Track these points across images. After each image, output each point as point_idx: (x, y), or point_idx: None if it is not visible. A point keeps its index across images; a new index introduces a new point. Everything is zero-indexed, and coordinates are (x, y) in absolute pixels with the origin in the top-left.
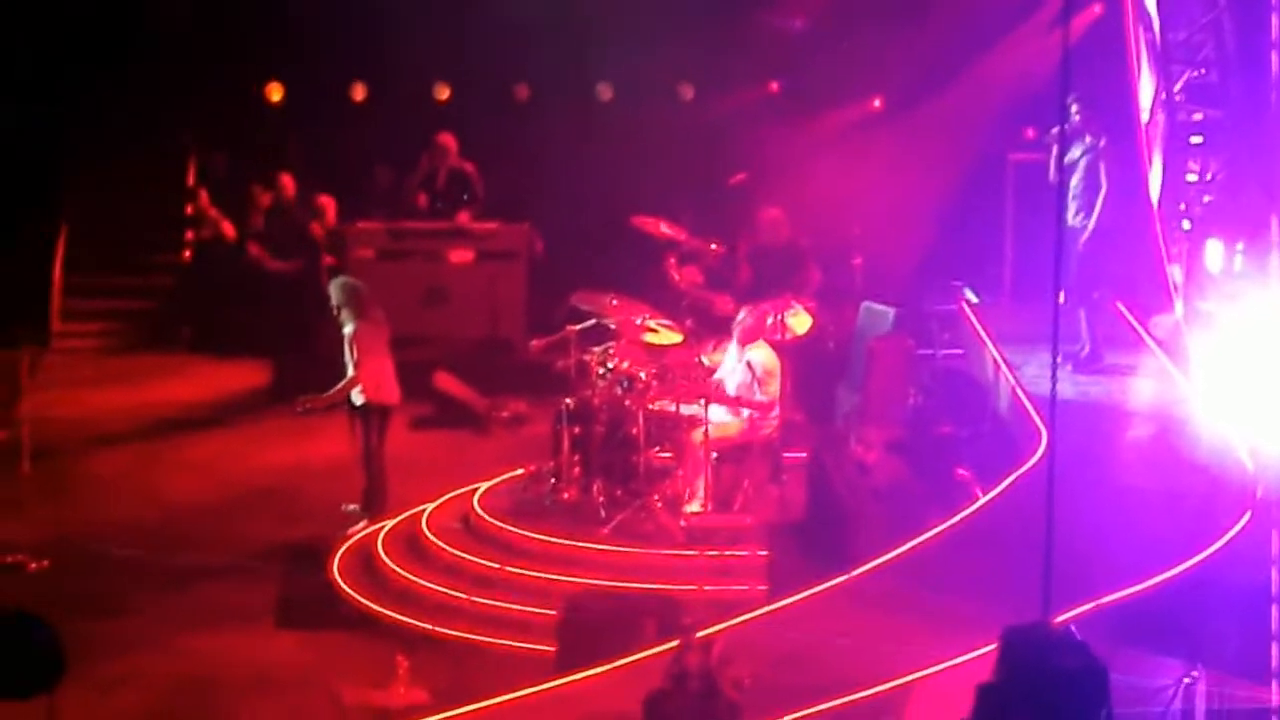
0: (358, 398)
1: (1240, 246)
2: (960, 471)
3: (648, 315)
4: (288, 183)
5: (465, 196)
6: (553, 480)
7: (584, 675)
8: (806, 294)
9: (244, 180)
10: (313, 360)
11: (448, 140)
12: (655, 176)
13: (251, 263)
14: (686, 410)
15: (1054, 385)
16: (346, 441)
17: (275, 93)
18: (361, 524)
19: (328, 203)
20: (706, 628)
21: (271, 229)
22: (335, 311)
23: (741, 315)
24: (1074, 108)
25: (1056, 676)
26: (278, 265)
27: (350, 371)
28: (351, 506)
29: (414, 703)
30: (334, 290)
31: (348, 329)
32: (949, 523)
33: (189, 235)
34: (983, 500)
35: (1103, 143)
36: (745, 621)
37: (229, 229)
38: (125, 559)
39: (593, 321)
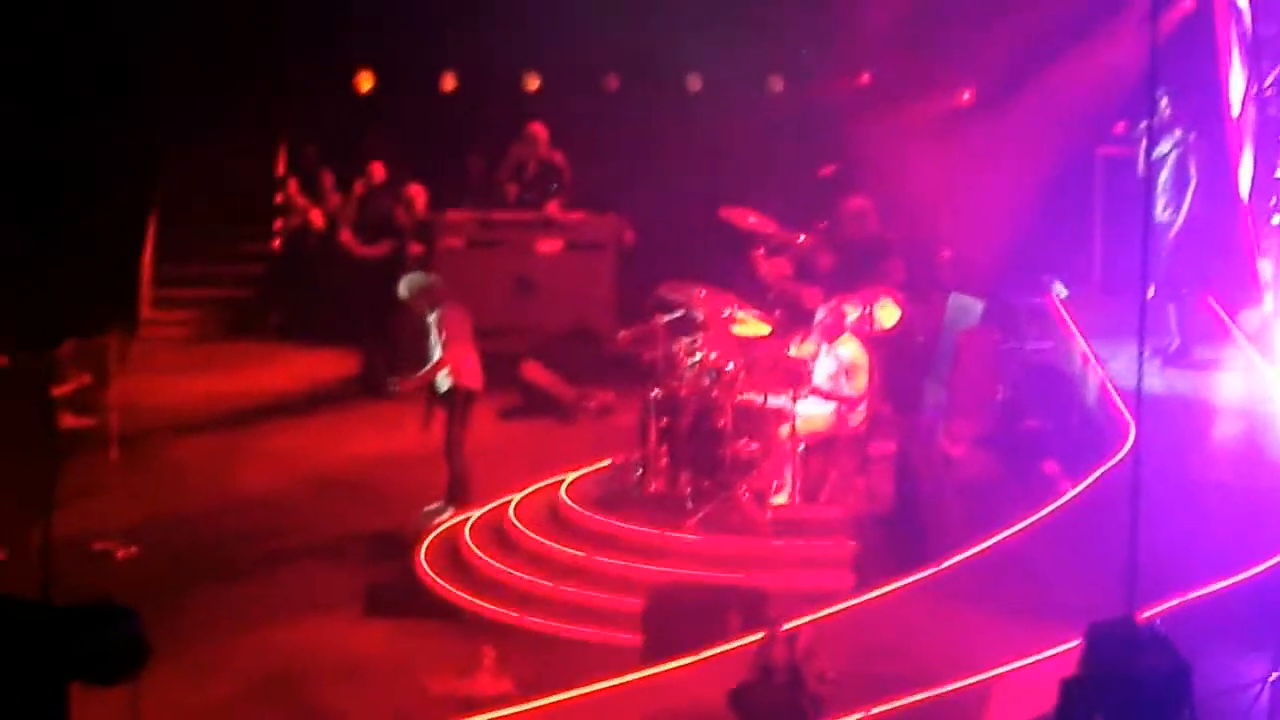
0: (444, 382)
1: None
2: (1047, 466)
3: (736, 306)
4: (377, 170)
5: (554, 187)
6: (640, 471)
7: (669, 667)
8: (892, 286)
9: (336, 169)
10: (400, 349)
11: (538, 130)
12: (744, 168)
13: (340, 250)
14: (774, 402)
15: (1140, 379)
16: (427, 430)
17: (366, 82)
18: (448, 514)
19: (417, 192)
20: (792, 620)
21: (361, 217)
22: (409, 305)
23: (820, 313)
24: (1164, 102)
25: (1140, 673)
26: (365, 252)
27: (436, 355)
28: (434, 506)
29: (500, 692)
30: (403, 287)
31: (432, 315)
32: (1035, 517)
33: (279, 224)
34: (1069, 495)
35: (1192, 137)
36: (831, 614)
37: (318, 217)
38: (213, 547)
39: (681, 312)
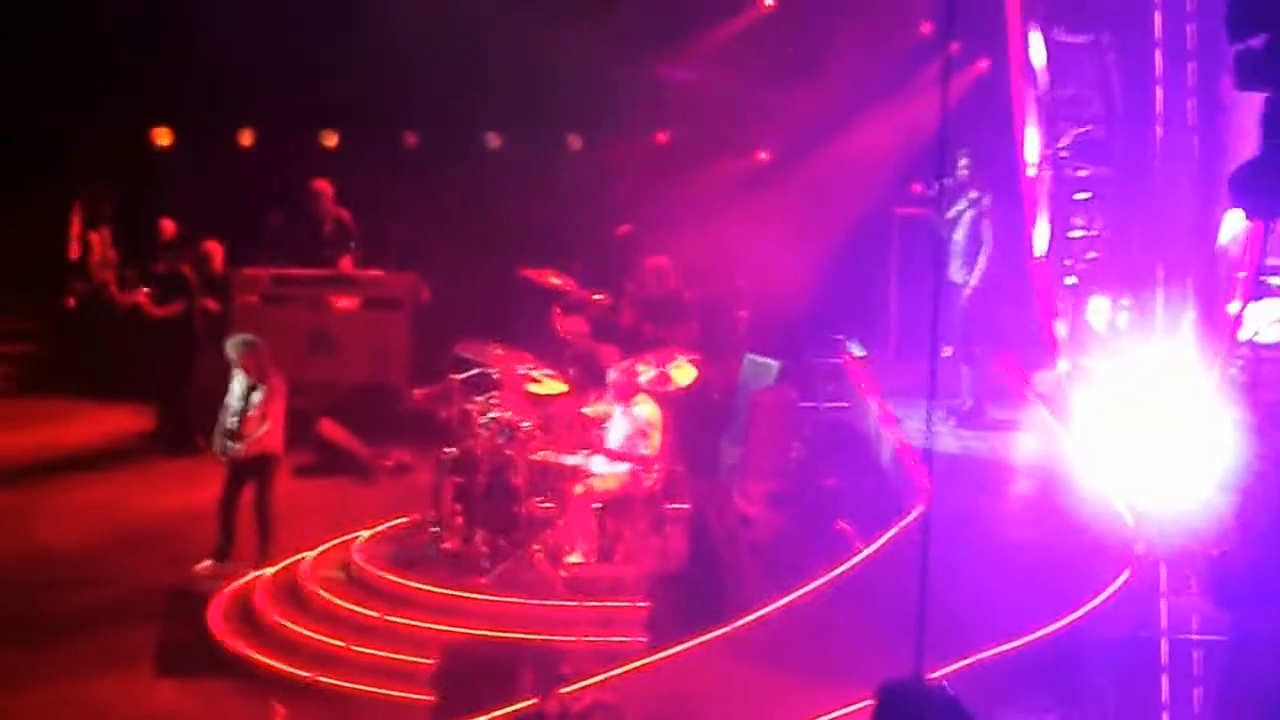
0: (258, 446)
1: (1125, 303)
2: (842, 524)
3: (531, 365)
4: (167, 226)
5: (352, 244)
6: (434, 529)
7: None
8: (689, 345)
9: (131, 224)
10: (194, 405)
11: (322, 186)
12: (542, 225)
13: (134, 307)
14: (569, 461)
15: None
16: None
17: (163, 137)
18: (241, 571)
19: (214, 248)
20: (586, 678)
21: (155, 274)
22: (236, 364)
23: (612, 374)
24: (963, 162)
25: None
26: (159, 311)
27: (264, 423)
28: (204, 564)
29: None
30: (234, 347)
31: (268, 381)
32: (829, 576)
33: (73, 280)
34: (863, 554)
35: (987, 199)
36: (625, 672)
37: (109, 276)
38: (10, 601)
39: (476, 371)
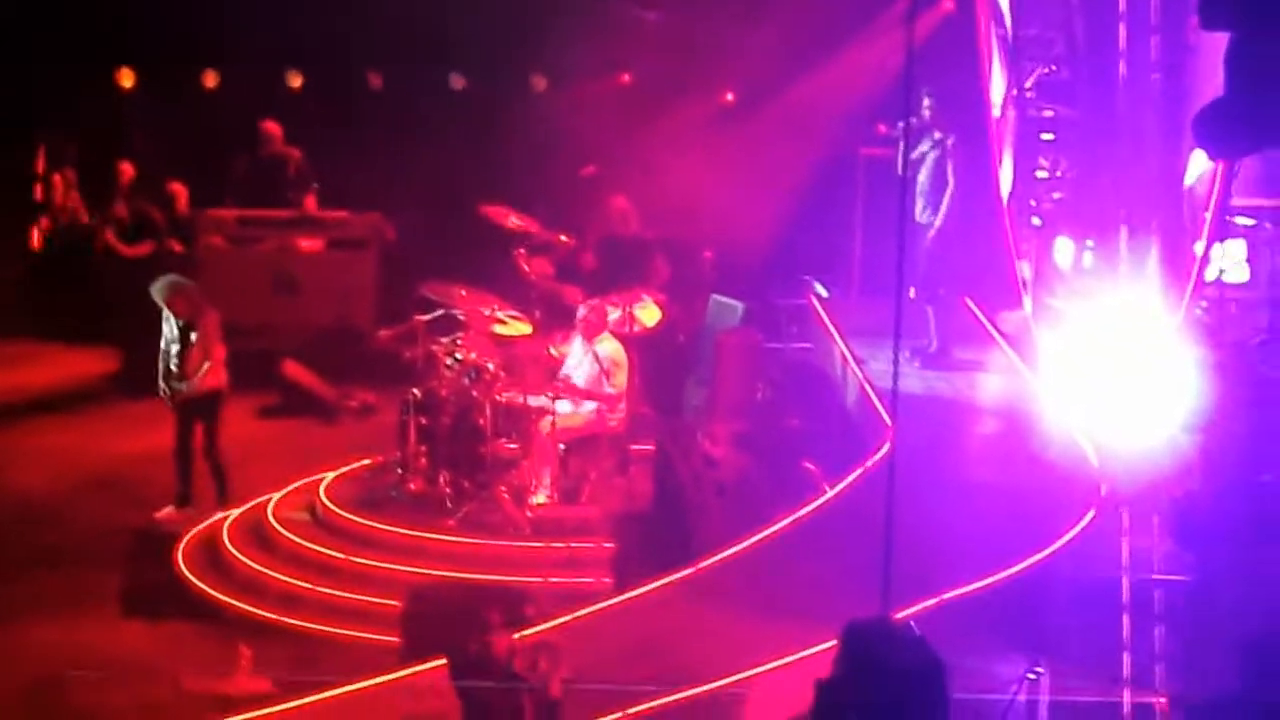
0: (198, 384)
1: (1090, 243)
2: (807, 465)
3: (496, 306)
4: (126, 169)
5: (312, 183)
6: (399, 471)
7: (426, 667)
8: (654, 286)
9: (94, 167)
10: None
11: (271, 127)
12: (507, 167)
13: (102, 248)
14: (534, 401)
15: (895, 378)
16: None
17: (126, 79)
18: (203, 514)
19: (179, 190)
20: (550, 619)
21: (119, 216)
22: (163, 308)
23: (582, 310)
24: (926, 103)
25: (894, 673)
26: (128, 251)
27: (205, 361)
28: (168, 510)
29: (256, 691)
30: (160, 290)
31: (201, 319)
32: (794, 517)
33: (42, 222)
34: (828, 494)
35: (951, 139)
36: (589, 613)
37: (82, 215)
38: None
39: (441, 312)
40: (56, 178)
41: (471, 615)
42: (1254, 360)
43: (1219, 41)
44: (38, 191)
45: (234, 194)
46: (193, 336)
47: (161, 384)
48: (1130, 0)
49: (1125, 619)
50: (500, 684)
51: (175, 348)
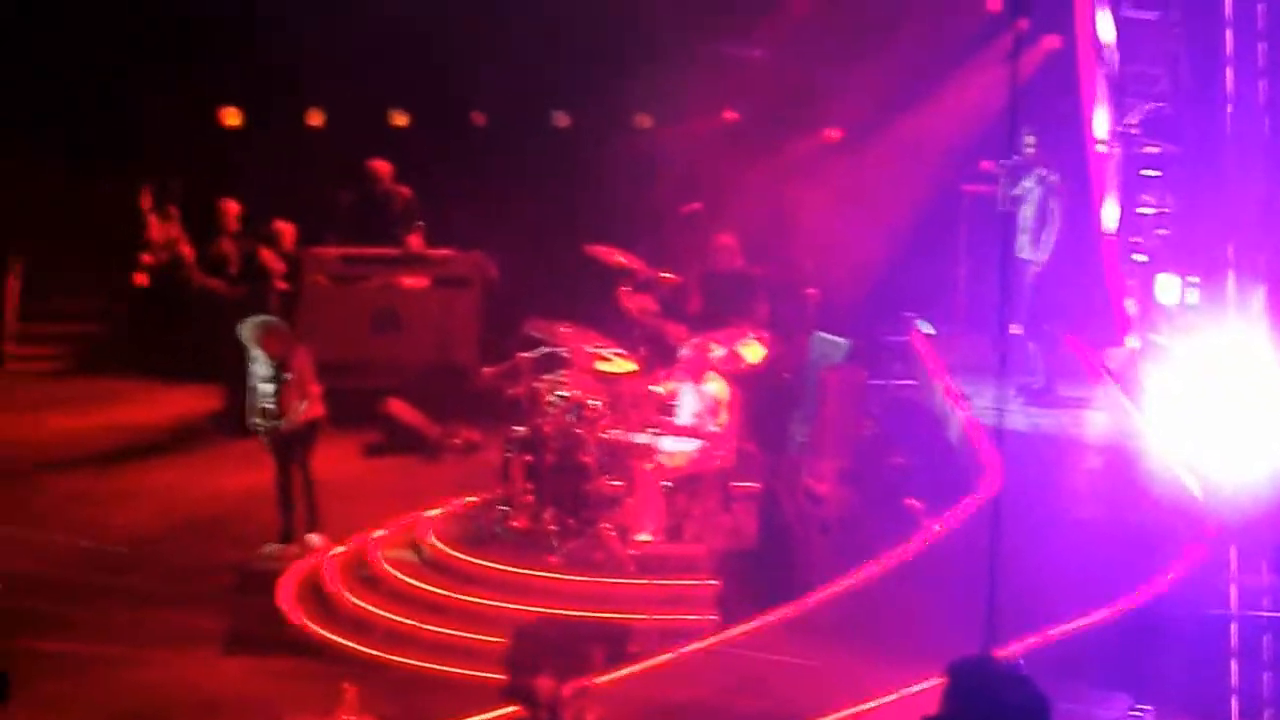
0: (294, 420)
1: (1194, 280)
2: (911, 502)
3: (600, 343)
4: (230, 208)
5: (418, 223)
6: (504, 508)
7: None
8: (757, 323)
9: (199, 204)
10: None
11: (379, 165)
12: (611, 205)
13: (205, 287)
14: (638, 439)
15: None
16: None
17: (232, 117)
18: (310, 547)
19: (285, 228)
20: (653, 656)
21: (224, 254)
22: (254, 348)
23: (684, 350)
24: (1029, 139)
25: (1000, 710)
26: (231, 292)
27: (304, 398)
28: (270, 547)
29: None
30: (251, 330)
31: (294, 357)
32: (898, 554)
33: (145, 259)
34: (933, 531)
35: (1055, 176)
36: (694, 650)
37: (186, 252)
38: (75, 582)
39: (545, 349)
40: (159, 215)
41: (577, 652)
42: None
43: None
44: (146, 229)
45: (340, 231)
46: (287, 376)
47: (257, 421)
48: (1237, 40)
49: (1233, 661)
50: None
51: (269, 387)
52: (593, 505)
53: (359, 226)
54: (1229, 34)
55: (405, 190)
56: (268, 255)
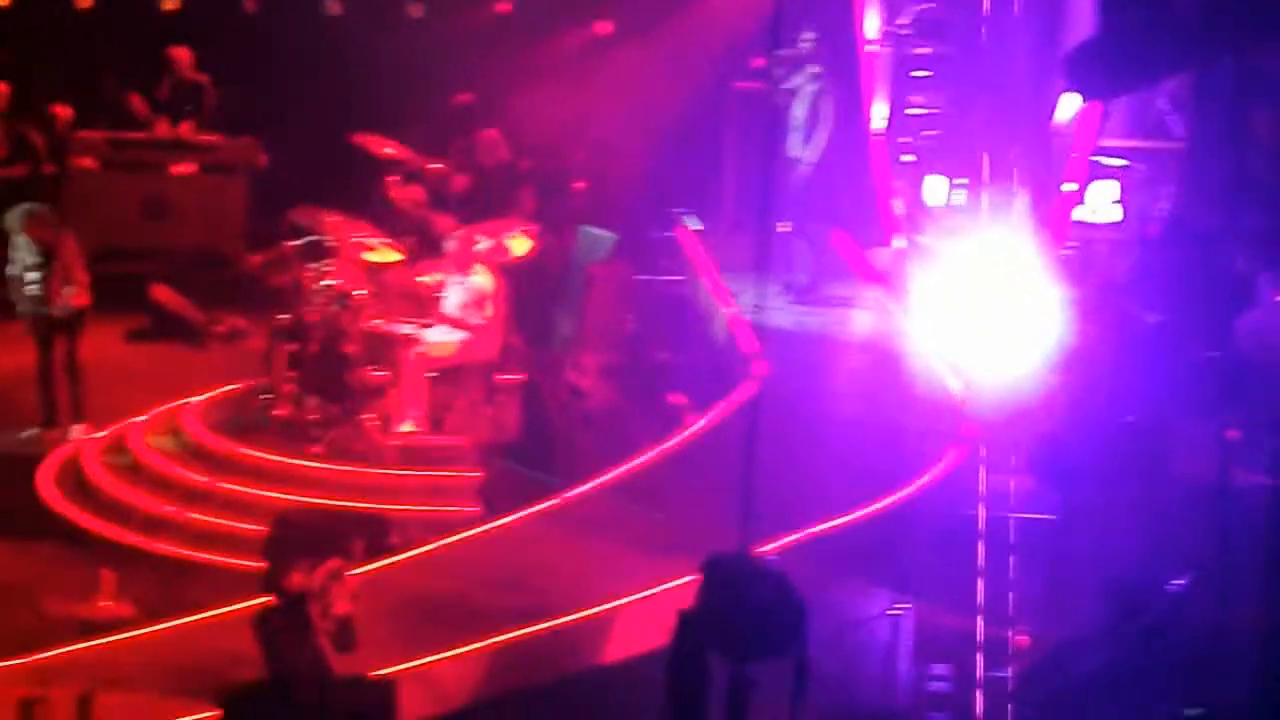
0: (61, 306)
1: (962, 181)
2: (675, 398)
3: (367, 233)
4: (2, 89)
5: (188, 108)
6: (267, 396)
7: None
8: (524, 216)
9: None
10: None
11: (179, 53)
12: (380, 94)
13: None
14: (403, 330)
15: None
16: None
17: None
18: (73, 434)
19: (61, 111)
20: (417, 547)
21: None
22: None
23: (450, 242)
24: (807, 36)
25: (753, 607)
26: (3, 173)
27: (67, 285)
28: (32, 431)
29: (119, 616)
30: (16, 217)
31: (61, 244)
32: (660, 449)
33: None
34: (695, 427)
35: (827, 73)
36: (455, 542)
37: None
38: None
39: (311, 238)
40: None
41: (335, 541)
42: (1121, 300)
43: None
44: None
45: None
46: (53, 263)
47: (21, 306)
48: None
49: (981, 547)
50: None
51: (35, 274)
52: (356, 395)
53: (128, 112)
54: None
55: (203, 78)
56: (34, 136)
